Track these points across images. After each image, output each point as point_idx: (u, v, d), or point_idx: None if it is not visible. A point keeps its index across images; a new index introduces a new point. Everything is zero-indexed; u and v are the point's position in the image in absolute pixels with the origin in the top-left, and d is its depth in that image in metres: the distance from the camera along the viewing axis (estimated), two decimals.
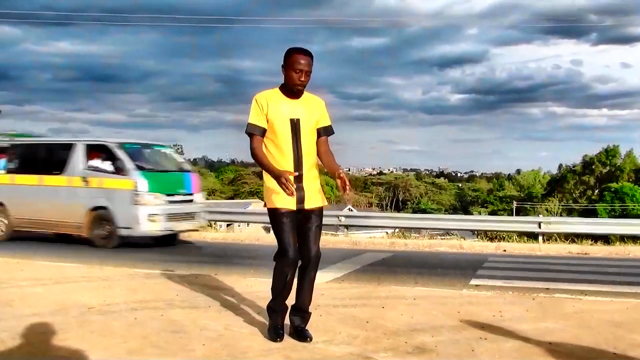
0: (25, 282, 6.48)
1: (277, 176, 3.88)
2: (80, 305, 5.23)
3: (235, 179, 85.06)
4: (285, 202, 4.02)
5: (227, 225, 28.97)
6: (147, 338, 4.22)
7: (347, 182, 3.92)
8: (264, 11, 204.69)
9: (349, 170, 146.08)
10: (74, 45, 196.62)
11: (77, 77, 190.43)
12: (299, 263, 4.13)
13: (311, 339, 4.16)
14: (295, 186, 3.88)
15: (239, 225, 28.58)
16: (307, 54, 4.06)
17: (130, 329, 4.48)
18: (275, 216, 4.08)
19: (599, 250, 12.65)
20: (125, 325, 4.56)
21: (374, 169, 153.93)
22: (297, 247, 4.07)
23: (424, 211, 69.98)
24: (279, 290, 4.19)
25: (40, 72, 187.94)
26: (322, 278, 7.57)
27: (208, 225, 18.27)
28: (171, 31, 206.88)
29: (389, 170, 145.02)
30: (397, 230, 16.88)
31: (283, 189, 3.84)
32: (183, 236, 12.79)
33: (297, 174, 4.01)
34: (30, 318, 4.67)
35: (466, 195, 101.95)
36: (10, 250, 10.30)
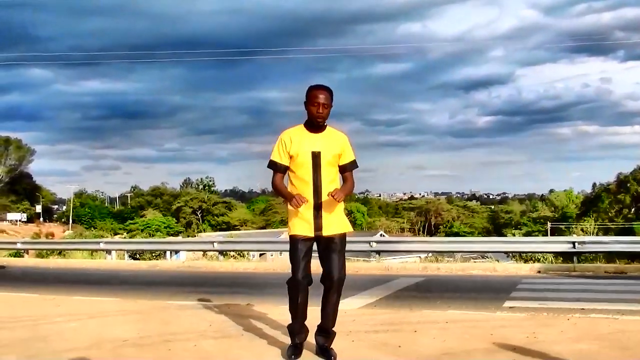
0: (61, 317, 6.59)
1: (290, 198, 4.15)
2: (114, 338, 5.29)
3: (266, 209, 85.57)
4: (302, 229, 4.23)
5: (260, 255, 29.11)
6: None
7: (335, 194, 4.06)
8: (289, 42, 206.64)
9: (380, 196, 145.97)
10: (102, 83, 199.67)
11: (106, 114, 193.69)
12: (307, 287, 4.29)
13: (335, 358, 4.25)
14: (306, 200, 4.09)
15: (272, 255, 28.67)
16: (324, 89, 4.25)
17: None
18: (291, 242, 4.30)
19: (635, 269, 12.37)
20: (158, 358, 4.61)
21: (404, 194, 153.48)
22: (307, 272, 4.24)
23: (456, 235, 69.33)
24: (293, 312, 4.38)
25: (71, 112, 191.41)
26: (354, 304, 7.56)
27: (241, 256, 18.38)
28: (197, 65, 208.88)
29: (419, 194, 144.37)
30: (429, 254, 16.72)
31: (294, 204, 4.09)
32: (215, 267, 12.78)
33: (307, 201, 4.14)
34: (66, 353, 4.75)
35: (499, 217, 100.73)
36: (46, 286, 10.47)
